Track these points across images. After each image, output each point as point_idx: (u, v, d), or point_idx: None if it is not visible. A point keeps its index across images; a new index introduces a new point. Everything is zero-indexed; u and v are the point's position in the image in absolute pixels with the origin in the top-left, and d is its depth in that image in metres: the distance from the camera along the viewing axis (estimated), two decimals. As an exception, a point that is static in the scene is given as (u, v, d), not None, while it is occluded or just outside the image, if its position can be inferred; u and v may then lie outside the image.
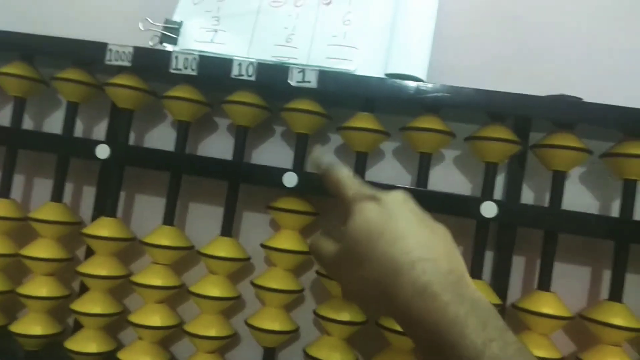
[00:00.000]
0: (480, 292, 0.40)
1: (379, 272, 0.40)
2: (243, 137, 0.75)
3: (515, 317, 0.69)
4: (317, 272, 0.73)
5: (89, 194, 0.85)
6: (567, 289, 0.70)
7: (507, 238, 0.73)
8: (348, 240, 0.43)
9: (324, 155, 0.52)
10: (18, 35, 0.76)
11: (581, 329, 0.69)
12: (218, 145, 0.82)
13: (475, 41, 0.78)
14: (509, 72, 0.76)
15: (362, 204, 0.43)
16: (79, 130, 0.84)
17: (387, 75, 0.71)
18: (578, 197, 0.74)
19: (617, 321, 0.65)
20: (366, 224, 0.42)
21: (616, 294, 0.67)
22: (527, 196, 0.75)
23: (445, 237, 0.44)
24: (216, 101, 0.77)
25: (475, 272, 0.69)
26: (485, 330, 0.37)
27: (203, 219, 0.81)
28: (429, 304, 0.38)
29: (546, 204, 0.71)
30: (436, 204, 0.68)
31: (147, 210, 0.83)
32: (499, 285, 0.72)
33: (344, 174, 0.48)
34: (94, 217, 0.80)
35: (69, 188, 0.82)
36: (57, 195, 0.78)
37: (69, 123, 0.79)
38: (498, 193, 0.74)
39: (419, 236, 0.41)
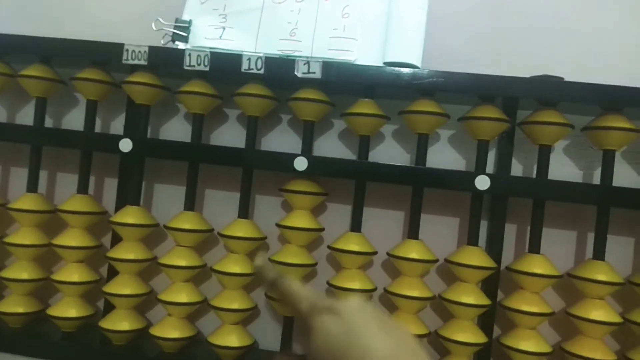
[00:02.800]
0: None
1: None
2: (254, 126, 0.81)
3: (509, 279, 0.76)
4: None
5: (109, 186, 0.91)
6: (555, 251, 0.77)
7: (499, 208, 0.79)
8: None
9: (268, 267, 0.50)
10: (38, 40, 0.81)
11: (569, 286, 0.77)
12: (229, 135, 0.88)
13: (464, 28, 0.84)
14: (497, 55, 0.82)
15: (321, 320, 0.41)
16: (97, 126, 0.89)
17: (385, 63, 0.77)
18: (562, 168, 0.81)
19: (601, 277, 0.72)
20: (328, 342, 0.40)
21: (599, 254, 0.74)
22: (517, 169, 0.82)
23: (408, 340, 0.42)
24: (226, 94, 0.82)
25: (472, 239, 0.76)
26: None
27: (218, 204, 0.88)
28: None
29: (534, 175, 0.78)
30: (434, 180, 0.75)
31: (165, 198, 0.89)
32: (494, 250, 0.78)
33: (295, 285, 0.46)
34: (118, 207, 0.86)
35: (91, 181, 0.87)
36: (82, 188, 0.84)
37: (89, 120, 0.84)
38: (490, 167, 0.81)
39: (384, 349, 0.39)
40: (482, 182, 0.73)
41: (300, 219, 0.79)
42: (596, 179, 0.80)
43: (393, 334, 0.41)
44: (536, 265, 0.74)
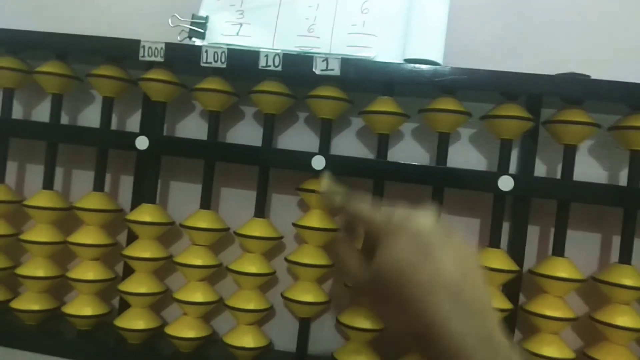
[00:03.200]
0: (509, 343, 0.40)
1: (410, 317, 0.40)
2: (271, 124, 0.80)
3: (532, 282, 0.74)
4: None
5: (125, 183, 0.90)
6: (580, 254, 0.75)
7: (522, 209, 0.77)
8: (378, 276, 0.42)
9: (335, 190, 0.51)
10: (53, 36, 0.80)
11: (593, 291, 0.74)
12: (245, 133, 0.87)
13: (487, 24, 0.82)
14: (520, 52, 0.80)
15: (392, 238, 0.42)
16: (113, 124, 0.88)
17: (405, 60, 0.75)
18: (588, 169, 0.78)
19: (627, 282, 0.70)
20: (398, 261, 0.41)
21: (625, 257, 0.72)
22: (540, 169, 0.80)
23: (476, 264, 0.43)
24: (242, 91, 0.81)
25: (494, 241, 0.74)
26: None
27: (234, 203, 0.86)
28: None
29: (558, 176, 0.76)
30: (455, 180, 0.73)
31: (181, 196, 0.88)
32: (516, 253, 0.76)
33: (363, 204, 0.47)
34: (134, 205, 0.85)
35: (106, 178, 0.86)
36: (99, 186, 0.83)
37: (105, 117, 0.83)
38: (513, 167, 0.79)
39: (452, 281, 0.40)
40: (506, 183, 0.71)
41: (318, 219, 0.78)
42: (623, 181, 0.77)
43: (462, 256, 0.42)
44: (560, 268, 0.72)
